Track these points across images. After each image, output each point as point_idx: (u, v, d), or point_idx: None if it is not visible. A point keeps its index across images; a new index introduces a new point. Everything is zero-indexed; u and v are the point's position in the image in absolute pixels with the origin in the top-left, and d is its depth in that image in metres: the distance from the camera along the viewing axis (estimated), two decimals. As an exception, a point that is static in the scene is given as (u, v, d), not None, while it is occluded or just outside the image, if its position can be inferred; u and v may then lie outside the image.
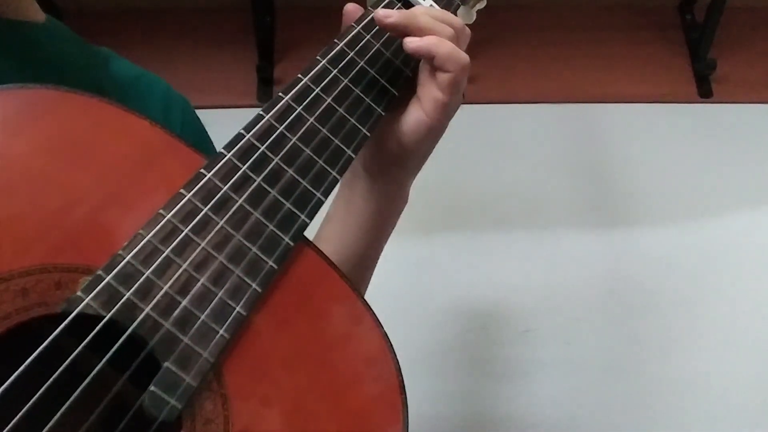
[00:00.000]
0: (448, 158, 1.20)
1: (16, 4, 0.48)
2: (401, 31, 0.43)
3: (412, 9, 0.45)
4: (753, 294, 1.22)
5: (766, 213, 1.29)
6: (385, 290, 0.56)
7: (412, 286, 1.18)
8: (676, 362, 1.17)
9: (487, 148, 1.32)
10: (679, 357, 1.17)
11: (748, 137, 1.36)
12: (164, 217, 0.35)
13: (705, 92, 1.39)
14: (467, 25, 0.47)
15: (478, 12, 0.51)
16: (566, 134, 1.35)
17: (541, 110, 1.36)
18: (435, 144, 0.47)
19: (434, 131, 0.45)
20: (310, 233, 0.40)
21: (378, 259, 0.53)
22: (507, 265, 1.23)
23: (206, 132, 0.61)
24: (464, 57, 0.43)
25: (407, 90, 0.46)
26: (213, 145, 0.60)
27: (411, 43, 0.42)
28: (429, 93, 0.44)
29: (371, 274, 0.54)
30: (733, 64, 1.40)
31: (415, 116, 0.45)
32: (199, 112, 0.62)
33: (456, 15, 0.49)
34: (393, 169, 0.48)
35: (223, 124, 0.59)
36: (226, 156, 0.38)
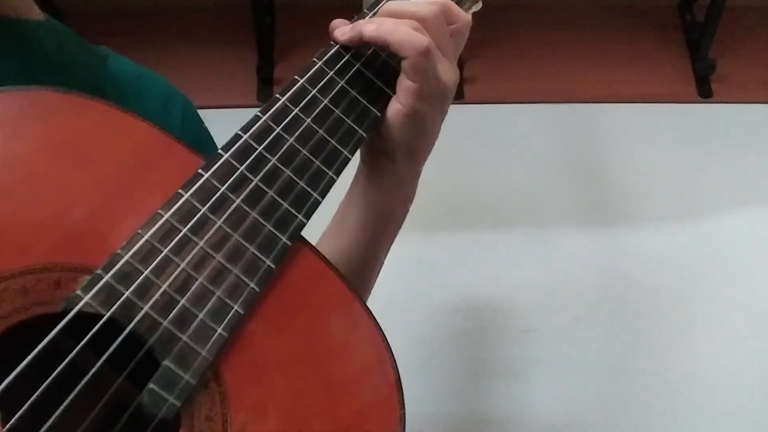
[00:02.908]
0: (448, 158, 1.21)
1: (14, 3, 0.48)
2: (358, 44, 0.44)
3: (362, 20, 0.44)
4: (753, 294, 1.22)
5: (765, 213, 1.29)
6: (385, 290, 0.56)
7: (412, 286, 1.18)
8: (676, 362, 1.17)
9: (487, 148, 1.32)
10: (678, 356, 1.18)
11: (748, 137, 1.36)
12: (163, 216, 0.36)
13: (705, 92, 1.39)
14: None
15: (474, 15, 0.51)
16: (566, 134, 1.35)
17: (541, 110, 1.37)
18: (419, 134, 0.46)
19: (410, 119, 0.44)
20: (308, 233, 0.40)
21: (383, 258, 0.53)
22: (507, 265, 1.23)
23: (207, 129, 0.61)
24: (419, 40, 0.42)
25: None
26: (214, 142, 0.60)
27: (366, 32, 0.43)
28: (400, 81, 0.44)
29: (377, 274, 0.54)
30: (733, 64, 1.40)
31: (393, 106, 0.45)
32: (199, 112, 0.62)
33: None
34: (383, 162, 0.48)
35: (223, 124, 0.59)
36: (223, 156, 0.38)
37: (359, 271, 0.51)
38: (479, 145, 1.31)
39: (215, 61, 1.35)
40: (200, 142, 0.59)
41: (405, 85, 0.43)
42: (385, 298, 0.58)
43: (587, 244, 1.26)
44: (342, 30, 0.44)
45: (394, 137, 0.46)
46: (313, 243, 0.40)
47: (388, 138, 0.46)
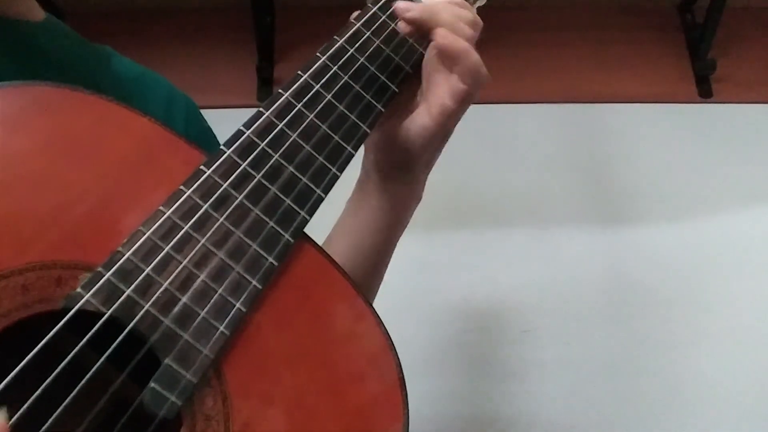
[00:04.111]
0: (449, 158, 1.20)
1: (16, 3, 0.48)
2: (420, 27, 0.43)
3: (431, 4, 0.44)
4: (753, 294, 1.22)
5: (765, 213, 1.29)
6: (385, 290, 0.56)
7: (412, 286, 1.18)
8: (676, 362, 1.17)
9: (487, 148, 1.32)
10: (678, 357, 1.17)
11: (748, 137, 1.36)
12: (164, 213, 0.35)
13: (705, 92, 1.39)
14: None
15: (478, 10, 0.51)
16: (566, 134, 1.35)
17: (541, 110, 1.36)
18: (441, 147, 0.47)
19: (439, 136, 0.45)
20: (311, 230, 0.40)
21: (390, 256, 0.53)
22: (507, 265, 1.23)
23: (211, 130, 0.61)
24: (485, 75, 0.42)
25: (407, 87, 0.46)
26: (218, 143, 0.60)
27: (444, 38, 0.42)
28: (438, 99, 0.43)
29: (384, 271, 0.54)
30: (733, 64, 1.40)
31: (420, 121, 0.44)
32: (200, 112, 0.62)
33: None
34: (400, 172, 0.48)
35: (223, 124, 0.58)
36: (226, 153, 0.38)
37: (372, 269, 0.51)
38: (479, 145, 1.31)
39: (215, 61, 1.35)
40: (204, 142, 0.58)
41: (445, 105, 0.43)
42: (386, 297, 0.58)
43: (587, 243, 1.26)
44: (407, 6, 0.42)
45: (418, 151, 0.46)
46: (316, 240, 0.40)
47: (412, 151, 0.46)
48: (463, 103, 0.43)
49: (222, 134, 0.56)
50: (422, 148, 0.45)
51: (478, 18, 0.45)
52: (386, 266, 0.54)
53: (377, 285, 0.54)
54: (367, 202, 0.50)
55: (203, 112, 0.62)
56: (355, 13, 0.45)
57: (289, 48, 1.36)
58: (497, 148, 1.32)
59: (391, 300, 0.57)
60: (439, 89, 0.43)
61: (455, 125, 0.45)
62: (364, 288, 0.51)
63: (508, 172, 1.31)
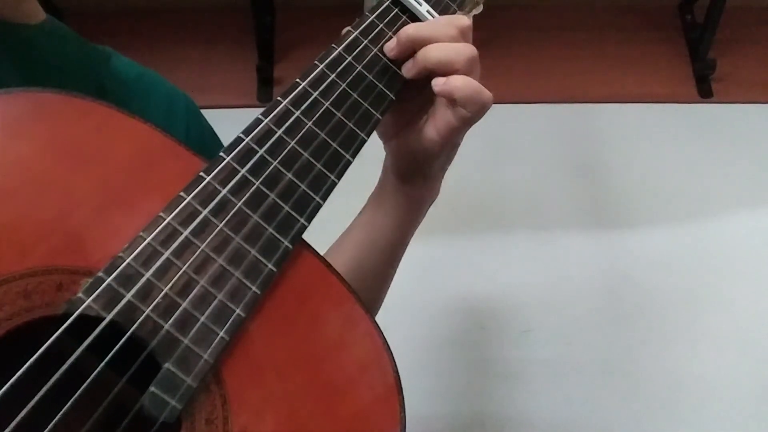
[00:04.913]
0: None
1: (16, 5, 0.48)
2: (421, 74, 0.45)
3: (424, 42, 0.44)
4: (752, 294, 1.22)
5: (765, 213, 1.29)
6: (385, 290, 0.57)
7: (413, 286, 1.18)
8: (676, 362, 1.17)
9: (487, 148, 1.32)
10: (678, 357, 1.18)
11: (748, 137, 1.36)
12: (164, 219, 0.35)
13: (705, 92, 1.40)
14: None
15: (475, 16, 0.51)
16: (566, 134, 1.35)
17: (541, 110, 1.37)
18: (452, 153, 0.49)
19: (447, 148, 0.47)
20: (309, 237, 0.40)
21: (404, 251, 0.55)
22: (507, 265, 1.23)
23: (211, 127, 0.61)
24: (486, 98, 0.43)
25: (406, 94, 0.46)
26: (219, 140, 0.60)
27: (435, 86, 0.43)
28: (444, 117, 0.45)
29: (397, 265, 0.56)
30: (733, 64, 1.40)
31: (428, 134, 0.46)
32: (200, 112, 0.62)
33: None
34: (413, 175, 0.50)
35: (223, 124, 0.59)
36: (225, 159, 0.38)
37: (387, 262, 0.54)
38: (479, 145, 1.31)
39: (215, 61, 1.35)
40: (205, 141, 0.59)
41: (450, 123, 0.44)
42: (386, 297, 0.58)
43: (587, 243, 1.26)
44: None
45: (428, 159, 0.47)
46: (315, 245, 0.41)
47: (421, 160, 0.48)
48: (467, 124, 0.44)
49: (222, 134, 0.57)
50: (432, 158, 0.47)
51: (465, 20, 0.46)
52: (399, 260, 0.56)
53: (391, 277, 0.56)
54: (385, 200, 0.52)
55: (203, 112, 0.62)
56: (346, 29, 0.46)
57: (289, 48, 1.36)
58: (497, 148, 1.32)
59: (391, 300, 0.57)
60: (446, 109, 0.45)
61: (462, 137, 0.47)
62: (379, 279, 0.55)
63: (508, 172, 1.31)
